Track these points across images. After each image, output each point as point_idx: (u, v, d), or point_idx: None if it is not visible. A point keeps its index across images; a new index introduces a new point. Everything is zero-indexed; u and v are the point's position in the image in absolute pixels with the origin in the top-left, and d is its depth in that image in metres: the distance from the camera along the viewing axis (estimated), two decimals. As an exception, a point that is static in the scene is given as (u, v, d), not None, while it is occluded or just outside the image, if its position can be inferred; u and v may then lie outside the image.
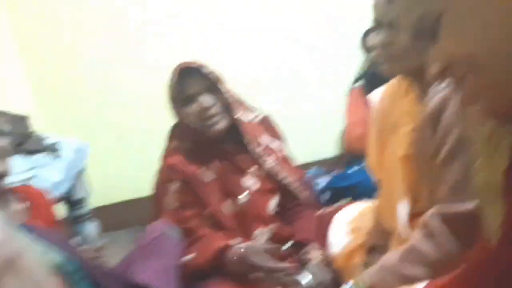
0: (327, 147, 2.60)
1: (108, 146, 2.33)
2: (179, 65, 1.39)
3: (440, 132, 0.85)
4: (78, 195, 1.80)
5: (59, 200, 1.63)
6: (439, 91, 0.86)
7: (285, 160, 1.54)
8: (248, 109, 2.16)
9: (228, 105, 1.40)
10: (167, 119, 1.49)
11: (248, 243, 1.29)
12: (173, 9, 2.36)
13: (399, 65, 0.92)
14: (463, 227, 0.81)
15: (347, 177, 1.93)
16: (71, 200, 1.79)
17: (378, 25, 0.92)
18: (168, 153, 1.45)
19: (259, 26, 2.45)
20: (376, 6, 0.92)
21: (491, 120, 0.54)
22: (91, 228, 1.83)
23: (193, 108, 1.38)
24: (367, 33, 2.28)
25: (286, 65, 2.47)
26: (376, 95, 1.14)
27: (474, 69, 0.45)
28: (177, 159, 1.41)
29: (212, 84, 1.39)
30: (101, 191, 2.12)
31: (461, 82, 0.47)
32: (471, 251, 0.69)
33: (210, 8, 2.40)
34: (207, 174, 1.41)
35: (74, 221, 1.80)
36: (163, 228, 1.34)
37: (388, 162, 1.04)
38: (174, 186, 1.39)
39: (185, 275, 1.29)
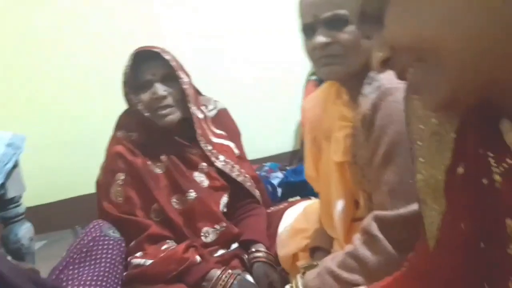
0: (283, 141, 2.58)
1: (44, 142, 2.19)
2: (137, 48, 1.31)
3: (373, 135, 0.83)
4: (11, 193, 1.65)
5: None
6: (370, 93, 0.83)
7: (238, 157, 1.49)
8: (206, 102, 2.11)
9: (184, 97, 1.33)
10: (111, 111, 1.40)
11: (239, 277, 1.20)
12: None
13: (339, 67, 0.86)
14: (401, 232, 0.79)
15: (300, 172, 1.90)
16: (3, 199, 1.64)
17: (311, 28, 0.87)
18: (114, 142, 1.36)
19: (213, 20, 2.38)
20: (312, 6, 0.85)
21: (437, 113, 0.51)
22: (25, 229, 1.69)
23: (146, 95, 1.30)
24: None
25: (241, 59, 2.42)
26: (308, 103, 1.10)
27: (427, 57, 0.40)
28: (124, 149, 1.32)
29: (170, 72, 1.31)
30: (37, 190, 1.99)
31: (407, 72, 0.44)
32: (410, 255, 0.67)
33: None
34: (155, 167, 1.34)
35: (7, 222, 1.65)
36: (102, 229, 1.26)
37: (325, 169, 1.02)
38: (120, 177, 1.31)
39: (132, 279, 1.21)
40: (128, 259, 1.25)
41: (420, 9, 0.38)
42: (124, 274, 1.23)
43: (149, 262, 1.21)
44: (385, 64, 0.45)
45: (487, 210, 0.46)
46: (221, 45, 2.32)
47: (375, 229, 0.81)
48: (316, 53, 0.87)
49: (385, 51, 0.45)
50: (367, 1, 0.46)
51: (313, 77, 2.31)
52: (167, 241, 1.28)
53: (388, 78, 0.81)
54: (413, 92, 0.47)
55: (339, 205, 0.95)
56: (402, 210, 0.79)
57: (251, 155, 2.01)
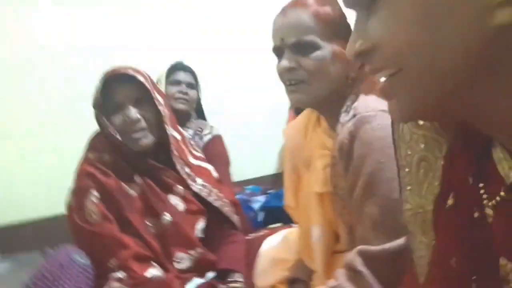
0: (266, 164, 2.55)
1: (11, 162, 2.12)
2: (109, 70, 1.26)
3: (353, 165, 0.79)
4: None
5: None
6: (347, 122, 0.80)
7: (217, 181, 1.44)
8: (202, 126, 2.08)
9: (159, 118, 1.28)
10: (77, 134, 1.34)
11: None
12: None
13: (302, 95, 0.84)
14: (388, 267, 0.75)
15: (282, 197, 1.85)
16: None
17: (279, 51, 0.86)
18: (85, 164, 1.29)
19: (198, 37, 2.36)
20: (279, 30, 0.84)
21: (409, 122, 0.49)
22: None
23: (118, 118, 1.26)
24: None
25: (224, 79, 2.40)
26: (289, 130, 1.07)
27: (399, 60, 0.38)
28: (95, 170, 1.26)
29: (143, 94, 1.27)
30: (2, 210, 1.91)
31: (379, 73, 0.41)
32: None
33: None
34: (129, 189, 1.28)
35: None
36: (70, 254, 1.18)
37: (304, 199, 0.98)
38: (94, 194, 1.24)
39: None
40: (104, 280, 1.17)
41: (400, 16, 0.37)
42: None
43: None
44: (361, 56, 0.42)
45: (479, 247, 0.42)
46: (203, 64, 2.29)
47: (360, 264, 0.77)
48: (283, 77, 0.86)
49: (365, 44, 0.41)
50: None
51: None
52: (152, 263, 1.21)
53: (364, 106, 0.79)
54: (385, 98, 0.43)
55: (319, 237, 0.91)
56: (388, 245, 0.75)
57: (232, 177, 1.97)
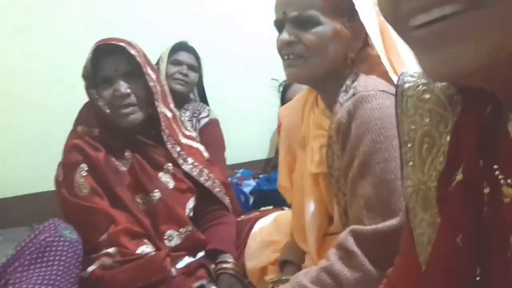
0: (257, 148, 2.54)
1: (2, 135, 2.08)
2: (101, 40, 1.22)
3: (349, 145, 0.78)
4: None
5: None
6: (346, 101, 0.79)
7: (207, 161, 1.42)
8: (200, 108, 2.05)
9: (150, 95, 1.25)
10: (73, 106, 1.32)
11: None
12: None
13: (300, 69, 0.83)
14: (380, 248, 0.74)
15: (273, 180, 1.85)
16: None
17: (280, 24, 0.85)
18: (74, 137, 1.27)
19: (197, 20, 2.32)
20: (282, 3, 0.84)
21: (459, 84, 0.43)
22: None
23: (107, 92, 1.23)
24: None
25: (219, 62, 2.36)
26: (284, 110, 1.05)
27: None
28: (84, 143, 1.23)
29: (134, 68, 1.23)
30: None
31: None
32: (390, 270, 0.62)
33: None
34: (119, 164, 1.26)
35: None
36: (58, 229, 1.16)
37: (298, 180, 0.97)
38: (84, 168, 1.21)
39: (97, 279, 1.12)
40: (95, 255, 1.16)
41: None
42: (90, 270, 1.14)
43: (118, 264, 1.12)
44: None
45: (488, 223, 0.40)
46: (202, 44, 2.26)
47: (352, 244, 0.76)
48: (282, 51, 0.85)
49: None
50: None
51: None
52: (144, 240, 1.20)
53: (363, 85, 0.78)
54: (425, 49, 0.34)
55: (312, 218, 0.90)
56: (381, 225, 0.74)
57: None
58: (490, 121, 0.41)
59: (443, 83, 0.49)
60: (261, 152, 2.54)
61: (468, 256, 0.41)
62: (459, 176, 0.43)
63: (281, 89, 2.33)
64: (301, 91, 1.03)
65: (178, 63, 2.02)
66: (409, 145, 0.51)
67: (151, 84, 1.25)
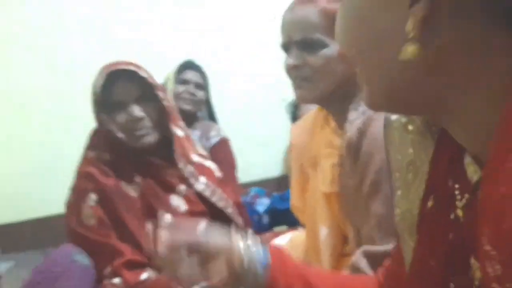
0: (270, 166, 2.52)
1: (12, 161, 2.11)
2: (110, 65, 1.22)
3: (360, 163, 0.77)
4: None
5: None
6: (356, 119, 0.79)
7: (219, 181, 1.41)
8: (210, 127, 2.06)
9: (162, 115, 1.26)
10: (79, 133, 1.34)
11: None
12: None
13: (307, 91, 0.85)
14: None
15: (288, 199, 1.83)
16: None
17: (286, 47, 0.86)
18: (86, 163, 1.27)
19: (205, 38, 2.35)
20: (287, 26, 0.85)
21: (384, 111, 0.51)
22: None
23: (121, 117, 1.23)
24: None
25: (231, 79, 2.39)
26: (295, 129, 1.05)
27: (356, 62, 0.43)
28: (95, 170, 1.23)
29: (145, 91, 1.24)
30: (3, 208, 1.90)
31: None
32: (386, 262, 0.64)
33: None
34: (129, 189, 1.24)
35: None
36: (72, 254, 1.16)
37: (311, 200, 0.95)
38: (92, 198, 1.21)
39: None
40: (104, 282, 1.15)
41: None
42: None
43: None
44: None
45: (455, 248, 0.42)
46: (211, 63, 2.28)
47: (364, 265, 0.75)
48: (290, 74, 0.86)
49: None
50: None
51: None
52: (147, 268, 1.18)
53: None
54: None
55: (326, 239, 0.88)
56: (392, 245, 0.73)
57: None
58: (459, 150, 0.44)
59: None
60: (273, 170, 2.53)
61: (442, 277, 0.44)
62: (430, 202, 0.46)
63: (291, 108, 2.33)
64: (311, 110, 1.03)
65: (185, 82, 2.03)
66: (397, 174, 0.54)
67: (164, 103, 1.25)
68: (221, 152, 1.99)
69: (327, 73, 0.82)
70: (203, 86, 2.08)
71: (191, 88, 2.03)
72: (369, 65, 0.40)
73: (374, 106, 0.44)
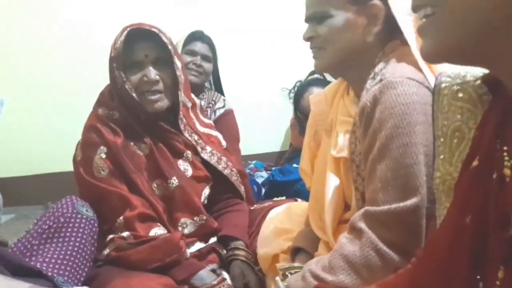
0: (271, 141, 2.54)
1: (20, 118, 2.11)
2: (133, 24, 1.22)
3: (372, 128, 0.79)
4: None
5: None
6: (372, 87, 0.80)
7: (224, 150, 1.44)
8: (216, 98, 2.06)
9: (175, 83, 1.26)
10: (92, 87, 1.33)
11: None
12: None
13: (320, 60, 0.91)
14: (392, 230, 0.74)
15: (287, 172, 1.86)
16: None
17: (307, 22, 0.93)
18: (94, 119, 1.27)
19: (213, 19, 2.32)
20: (306, 4, 0.92)
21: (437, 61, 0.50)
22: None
23: (135, 77, 1.23)
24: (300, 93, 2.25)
25: (234, 56, 2.37)
26: (314, 97, 1.08)
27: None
28: (103, 127, 1.24)
29: (164, 55, 1.24)
30: (9, 162, 1.91)
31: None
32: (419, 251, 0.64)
33: None
34: (137, 148, 1.26)
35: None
36: (75, 205, 1.18)
37: (320, 165, 0.98)
38: (103, 150, 1.22)
39: (112, 261, 1.15)
40: (110, 237, 1.18)
41: None
42: (105, 253, 1.16)
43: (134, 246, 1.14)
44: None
45: (495, 205, 0.44)
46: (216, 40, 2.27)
47: (361, 223, 0.77)
48: (310, 45, 0.93)
49: None
50: None
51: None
52: (158, 224, 1.21)
53: (391, 72, 0.80)
54: (419, 35, 0.45)
55: (331, 202, 0.91)
56: (394, 206, 0.74)
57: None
58: (509, 114, 0.46)
59: (476, 83, 0.56)
60: (274, 145, 2.55)
61: (472, 234, 0.46)
62: (475, 163, 0.48)
63: (291, 95, 2.31)
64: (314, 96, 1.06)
65: (193, 53, 2.01)
66: (441, 139, 0.57)
67: (178, 73, 1.26)
68: (226, 124, 2.00)
69: (333, 41, 0.87)
70: (210, 58, 2.06)
71: (198, 60, 2.01)
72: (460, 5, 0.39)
73: (439, 54, 0.43)
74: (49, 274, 1.05)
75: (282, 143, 2.56)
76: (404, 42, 0.82)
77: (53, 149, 2.11)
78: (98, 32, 2.09)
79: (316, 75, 2.11)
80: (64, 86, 2.18)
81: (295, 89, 2.20)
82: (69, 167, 1.30)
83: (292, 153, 2.20)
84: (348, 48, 0.87)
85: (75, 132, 1.33)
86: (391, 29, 0.84)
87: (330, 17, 0.87)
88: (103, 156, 1.22)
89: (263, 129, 2.50)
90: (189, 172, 1.30)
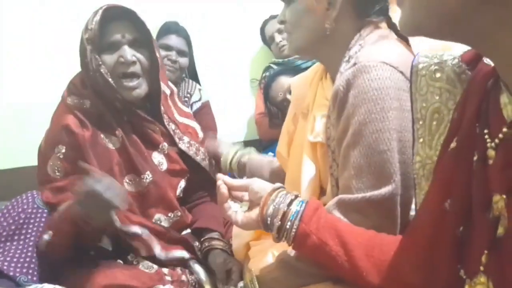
0: (246, 130, 2.51)
1: None
2: (109, 4, 1.13)
3: (345, 114, 0.77)
4: None
5: None
6: (346, 70, 0.79)
7: (202, 142, 1.39)
8: (191, 89, 2.00)
9: (154, 68, 1.19)
10: (57, 82, 1.25)
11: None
12: None
13: (290, 40, 0.91)
14: (366, 217, 0.74)
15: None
16: None
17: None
18: (63, 110, 1.17)
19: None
20: None
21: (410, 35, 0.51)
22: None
23: (110, 58, 1.13)
24: (264, 24, 2.27)
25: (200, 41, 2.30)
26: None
27: None
28: (71, 120, 1.13)
29: (141, 37, 1.16)
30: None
31: None
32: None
33: None
34: (108, 142, 1.16)
35: None
36: (36, 200, 1.14)
37: (296, 148, 0.97)
38: (61, 150, 1.13)
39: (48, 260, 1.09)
40: None
41: None
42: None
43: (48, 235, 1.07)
44: None
45: (476, 187, 0.44)
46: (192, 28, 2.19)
47: (336, 212, 0.76)
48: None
49: None
50: None
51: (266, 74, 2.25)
52: None
53: (366, 55, 0.78)
54: (398, 5, 0.45)
55: (307, 187, 0.89)
56: (369, 194, 0.73)
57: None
58: (489, 94, 0.45)
59: (454, 62, 0.55)
60: (237, 135, 2.49)
61: (453, 219, 0.46)
62: (453, 144, 0.47)
63: (261, 85, 2.27)
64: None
65: (167, 48, 1.92)
66: (420, 122, 0.56)
67: (157, 55, 1.18)
68: (204, 117, 1.98)
69: (296, 24, 0.88)
70: (185, 53, 1.97)
71: (173, 55, 1.92)
72: None
73: (416, 28, 0.42)
74: (11, 274, 1.02)
75: (245, 133, 2.53)
76: (382, 26, 0.80)
77: (20, 143, 2.00)
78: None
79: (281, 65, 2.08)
80: (33, 78, 2.07)
81: (265, 79, 2.16)
82: (32, 162, 1.22)
83: (257, 143, 2.20)
84: (312, 32, 0.87)
85: (39, 127, 1.24)
86: (365, 11, 0.82)
87: (292, 2, 0.88)
88: (61, 156, 1.13)
89: (237, 118, 2.46)
90: (164, 165, 1.24)
